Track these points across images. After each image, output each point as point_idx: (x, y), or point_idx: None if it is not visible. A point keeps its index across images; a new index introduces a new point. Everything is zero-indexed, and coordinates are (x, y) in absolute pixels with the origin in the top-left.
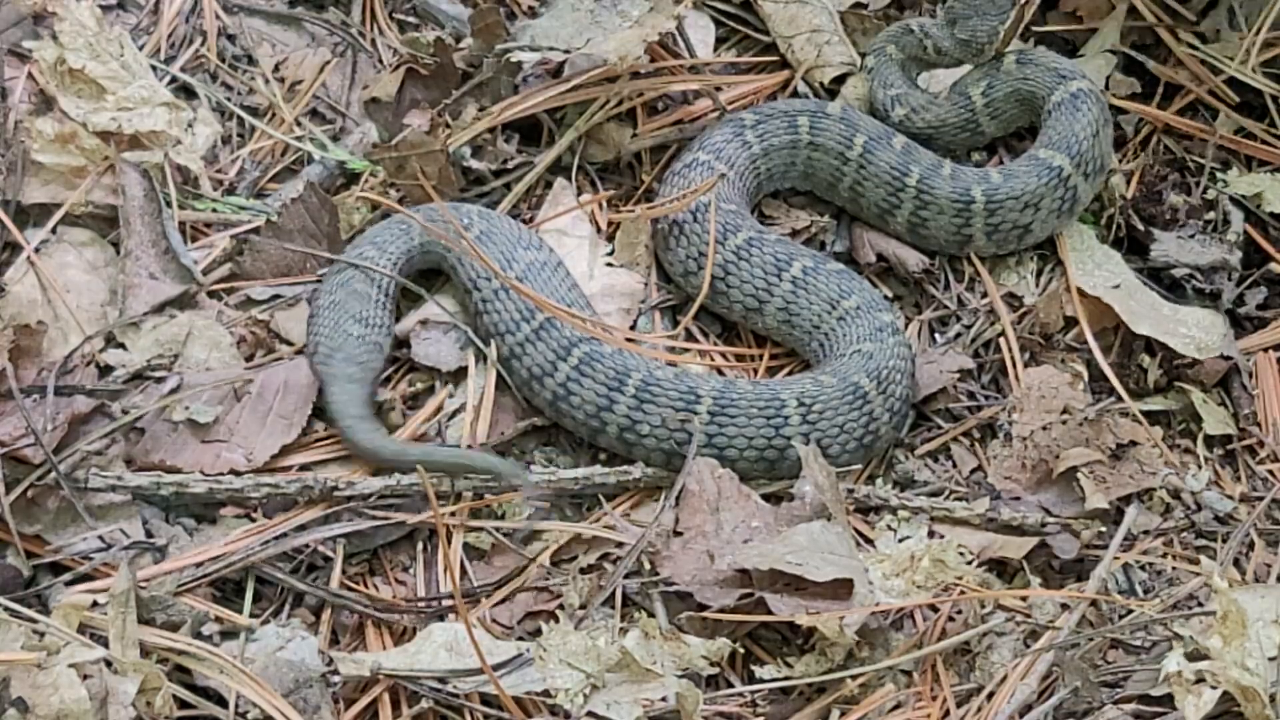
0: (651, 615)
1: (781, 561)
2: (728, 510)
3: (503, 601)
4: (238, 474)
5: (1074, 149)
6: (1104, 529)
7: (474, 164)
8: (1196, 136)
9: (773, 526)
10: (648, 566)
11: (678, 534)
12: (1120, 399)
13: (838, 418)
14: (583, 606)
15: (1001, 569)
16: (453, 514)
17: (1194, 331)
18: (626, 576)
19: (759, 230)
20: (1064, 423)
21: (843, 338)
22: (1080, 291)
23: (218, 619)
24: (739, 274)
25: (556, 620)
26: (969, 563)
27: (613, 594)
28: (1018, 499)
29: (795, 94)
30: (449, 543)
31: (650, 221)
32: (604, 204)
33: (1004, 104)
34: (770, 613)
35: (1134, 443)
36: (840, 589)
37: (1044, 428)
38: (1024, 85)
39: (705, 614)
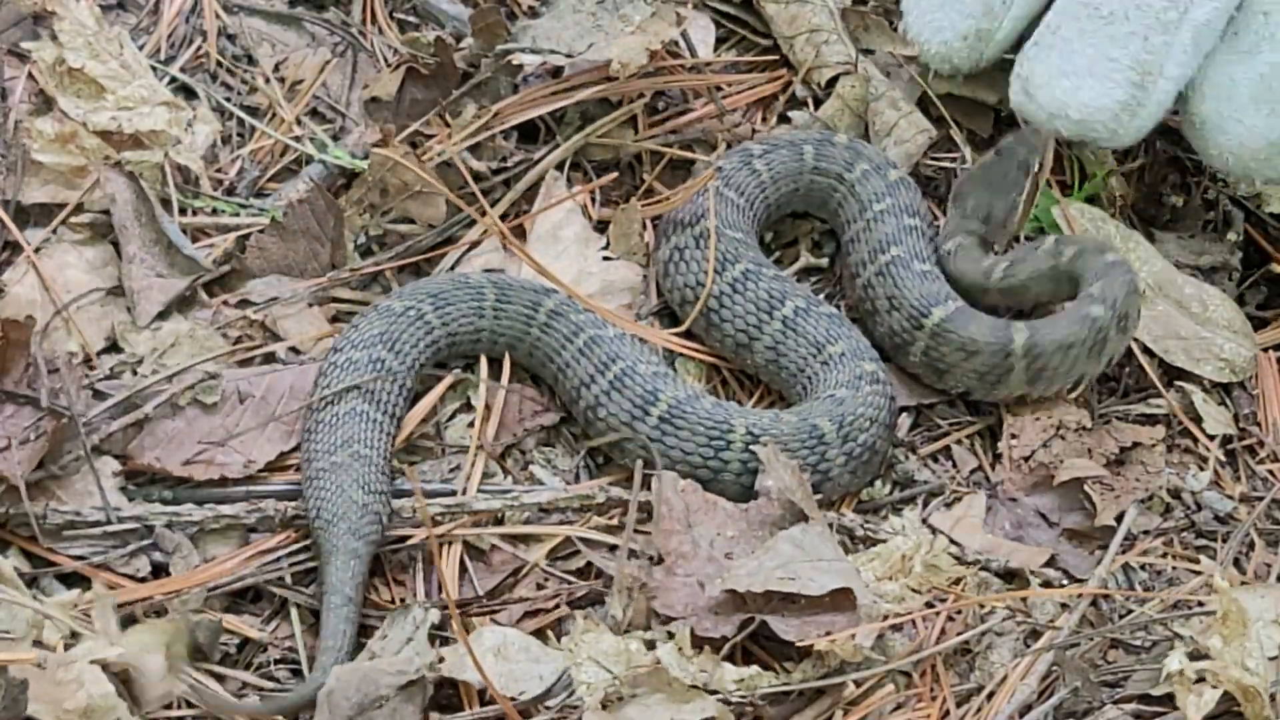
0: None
1: (773, 580)
2: (700, 525)
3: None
4: (235, 491)
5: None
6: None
7: (472, 163)
8: None
9: (748, 533)
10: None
11: (658, 561)
12: (1119, 400)
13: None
14: (628, 627)
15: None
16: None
17: (1225, 344)
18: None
19: (758, 263)
20: (1063, 437)
21: (823, 382)
22: None
23: (228, 629)
24: (733, 307)
25: (580, 619)
26: (965, 564)
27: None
28: (1014, 500)
29: (794, 96)
30: (444, 559)
31: (653, 250)
32: (597, 199)
33: (1033, 283)
34: (777, 637)
35: (1136, 444)
36: (840, 598)
37: (1044, 445)
38: (1062, 263)
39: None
